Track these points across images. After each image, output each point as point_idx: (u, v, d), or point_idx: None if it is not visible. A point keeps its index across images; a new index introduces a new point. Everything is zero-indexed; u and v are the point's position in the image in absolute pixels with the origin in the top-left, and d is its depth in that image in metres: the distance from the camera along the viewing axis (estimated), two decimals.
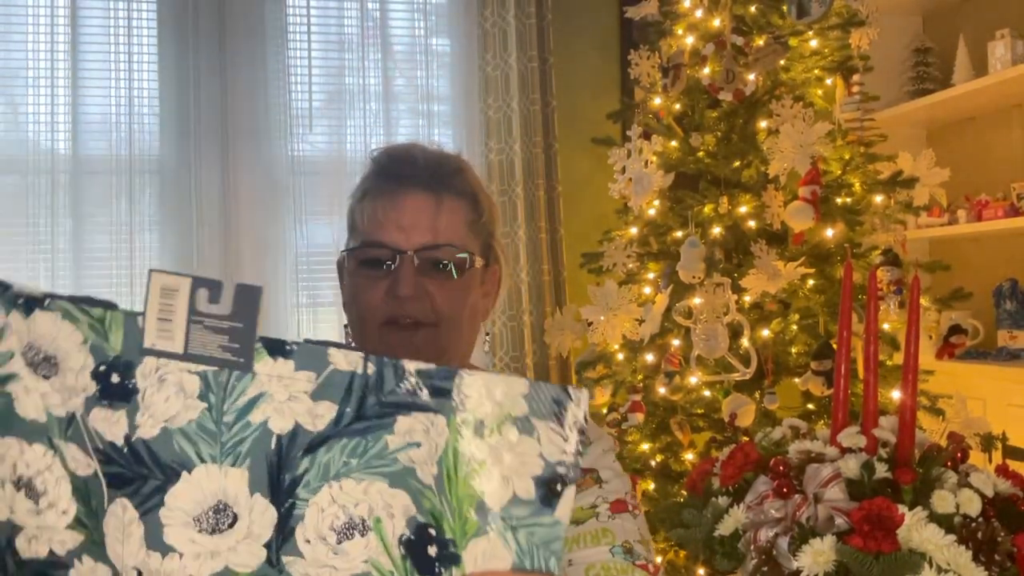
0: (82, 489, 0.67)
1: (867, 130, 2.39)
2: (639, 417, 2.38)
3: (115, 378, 0.66)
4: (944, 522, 1.01)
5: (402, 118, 3.30)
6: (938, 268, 2.42)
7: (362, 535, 0.65)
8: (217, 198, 3.03)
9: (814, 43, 2.39)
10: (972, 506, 1.03)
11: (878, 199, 2.28)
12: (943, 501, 1.03)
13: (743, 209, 2.30)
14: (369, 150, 1.39)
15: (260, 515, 0.65)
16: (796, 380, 2.26)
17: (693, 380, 2.26)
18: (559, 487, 0.64)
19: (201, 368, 0.65)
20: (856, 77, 2.38)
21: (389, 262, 1.06)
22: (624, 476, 1.06)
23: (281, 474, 0.65)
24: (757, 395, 2.25)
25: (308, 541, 0.65)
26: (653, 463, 2.43)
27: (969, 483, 1.07)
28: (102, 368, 0.66)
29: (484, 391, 0.65)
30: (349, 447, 0.65)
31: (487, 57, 3.22)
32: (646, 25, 2.63)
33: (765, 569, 1.06)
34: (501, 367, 3.09)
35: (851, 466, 1.07)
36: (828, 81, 2.40)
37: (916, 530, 0.99)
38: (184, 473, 0.65)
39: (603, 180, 2.52)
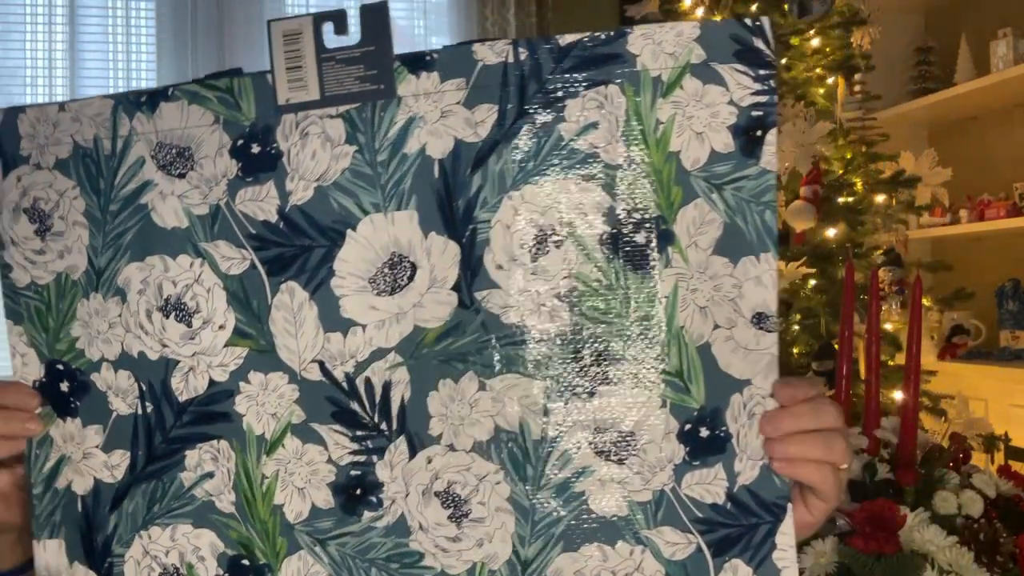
0: (239, 292, 0.62)
1: (869, 129, 2.38)
2: None
3: (255, 148, 0.61)
4: (946, 523, 1.00)
5: None
6: (940, 268, 2.41)
7: (558, 246, 0.58)
8: None
9: (815, 42, 2.37)
10: (974, 507, 1.03)
11: (880, 199, 2.27)
12: (945, 502, 1.02)
13: None
14: None
15: (440, 255, 0.59)
16: None
17: None
18: (759, 132, 0.58)
19: (343, 109, 0.60)
20: (858, 76, 2.37)
21: None
22: None
23: (453, 202, 0.59)
24: None
25: (500, 267, 0.59)
26: None
27: (971, 484, 1.06)
28: (240, 143, 0.61)
29: (654, 45, 0.58)
30: (521, 149, 0.58)
31: None
32: (647, 24, 2.62)
33: None
34: None
35: (853, 467, 1.07)
36: (829, 80, 2.38)
37: (918, 531, 0.98)
38: (348, 231, 0.60)
39: None
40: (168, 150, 0.62)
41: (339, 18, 0.60)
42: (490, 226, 0.59)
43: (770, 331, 0.58)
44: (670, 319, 0.58)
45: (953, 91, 3.24)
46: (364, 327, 0.60)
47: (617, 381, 0.58)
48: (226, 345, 0.62)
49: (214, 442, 0.63)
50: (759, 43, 0.58)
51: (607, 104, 0.58)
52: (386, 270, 0.60)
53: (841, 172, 2.33)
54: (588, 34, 0.59)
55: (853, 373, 1.59)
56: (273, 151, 0.60)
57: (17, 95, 2.99)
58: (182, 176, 0.62)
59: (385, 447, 0.61)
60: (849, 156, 2.34)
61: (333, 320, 0.60)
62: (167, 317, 0.63)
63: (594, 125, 0.58)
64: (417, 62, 0.59)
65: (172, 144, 0.62)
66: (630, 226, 0.58)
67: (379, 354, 0.60)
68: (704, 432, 0.58)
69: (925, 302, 2.22)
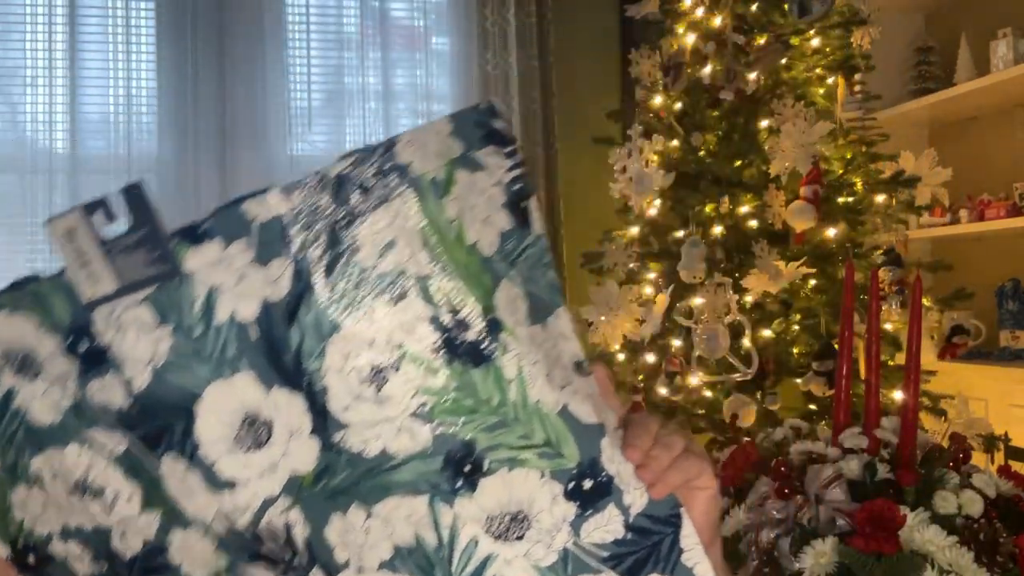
0: (130, 468, 0.63)
1: (869, 129, 2.38)
2: None
3: (83, 346, 0.60)
4: (946, 523, 1.00)
5: (401, 117, 3.29)
6: (940, 268, 2.41)
7: (396, 370, 0.58)
8: (216, 198, 3.02)
9: (815, 42, 2.38)
10: (974, 507, 1.03)
11: (880, 199, 2.28)
12: (945, 502, 1.02)
13: (744, 209, 2.29)
14: None
15: (288, 407, 0.59)
16: (797, 380, 2.25)
17: (694, 381, 2.25)
18: (523, 203, 0.60)
19: (144, 293, 0.58)
20: (858, 76, 2.37)
21: None
22: None
23: (281, 358, 0.59)
24: (758, 396, 2.24)
25: (347, 408, 0.58)
26: None
27: (971, 484, 1.06)
28: (69, 342, 0.61)
29: (421, 149, 0.58)
30: (326, 293, 0.58)
31: (487, 56, 3.22)
32: (647, 24, 2.62)
33: (766, 570, 1.06)
34: None
35: (853, 467, 1.07)
36: (830, 80, 2.39)
37: (918, 531, 0.98)
38: (196, 406, 0.60)
39: (604, 180, 2.51)
40: (16, 356, 0.62)
41: (104, 206, 0.58)
42: (322, 375, 0.59)
43: (589, 374, 0.61)
44: (524, 399, 0.60)
45: (953, 91, 3.24)
46: (247, 481, 0.61)
47: (492, 471, 0.60)
48: (142, 511, 0.64)
49: None
50: (496, 123, 0.60)
51: (397, 219, 0.58)
52: (245, 429, 0.60)
53: (841, 172, 2.33)
54: (355, 153, 0.58)
55: (853, 373, 1.59)
56: (98, 346, 0.60)
57: (17, 95, 2.99)
58: (37, 376, 0.62)
59: (307, 574, 0.63)
60: (849, 156, 2.35)
61: (216, 482, 0.61)
62: (82, 497, 0.64)
63: (391, 244, 0.58)
64: (191, 235, 0.58)
65: (17, 351, 0.62)
66: (458, 327, 0.59)
67: (269, 502, 0.61)
68: (588, 484, 0.61)
69: (925, 302, 2.23)
